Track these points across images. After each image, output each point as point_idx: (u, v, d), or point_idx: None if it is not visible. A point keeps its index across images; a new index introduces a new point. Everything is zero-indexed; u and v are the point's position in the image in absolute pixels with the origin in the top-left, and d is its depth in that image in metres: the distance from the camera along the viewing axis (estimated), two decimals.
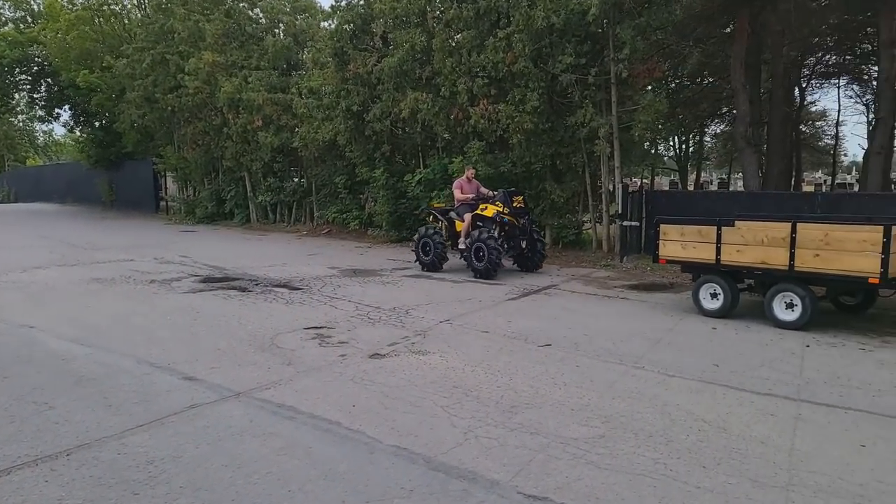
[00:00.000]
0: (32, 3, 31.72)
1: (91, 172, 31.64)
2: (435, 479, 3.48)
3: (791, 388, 4.93)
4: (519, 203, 10.84)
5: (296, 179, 21.07)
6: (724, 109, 24.00)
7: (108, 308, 8.12)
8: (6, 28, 30.65)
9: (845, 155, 43.73)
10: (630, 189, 12.49)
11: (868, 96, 22.63)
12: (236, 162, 20.94)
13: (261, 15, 21.18)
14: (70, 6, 26.46)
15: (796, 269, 6.70)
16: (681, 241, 7.73)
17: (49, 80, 30.74)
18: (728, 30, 15.92)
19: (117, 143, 27.95)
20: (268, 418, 4.38)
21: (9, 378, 5.22)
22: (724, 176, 39.09)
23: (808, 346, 6.17)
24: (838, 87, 23.83)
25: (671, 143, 28.03)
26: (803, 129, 26.10)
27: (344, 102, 15.43)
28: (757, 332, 6.81)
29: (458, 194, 11.32)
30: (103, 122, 29.50)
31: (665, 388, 4.99)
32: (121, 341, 6.45)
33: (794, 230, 6.71)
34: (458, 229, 11.20)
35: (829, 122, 30.07)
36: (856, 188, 31.42)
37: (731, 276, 7.41)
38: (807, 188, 29.63)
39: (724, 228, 7.29)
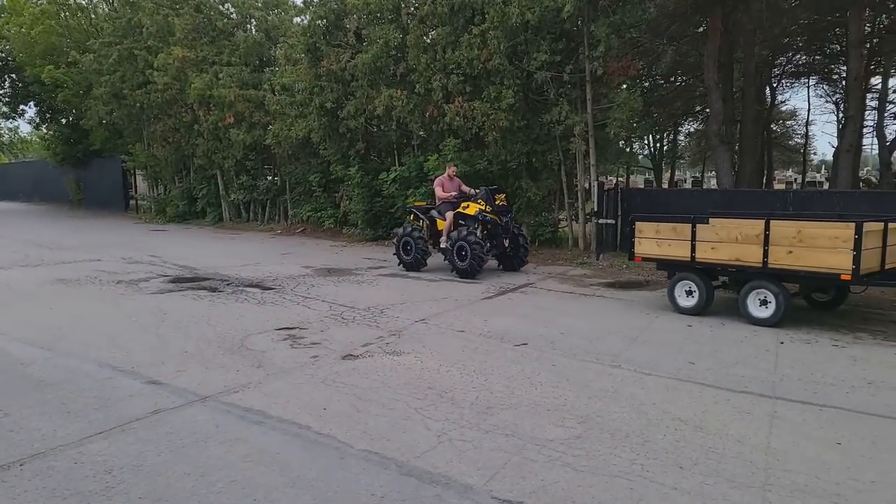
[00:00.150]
0: None
1: (58, 170, 30.87)
2: (407, 484, 3.37)
3: (766, 386, 4.92)
4: (501, 201, 10.68)
5: (269, 177, 20.74)
6: (698, 108, 24.28)
7: (72, 310, 7.86)
8: None
9: (815, 153, 44.60)
10: (605, 187, 12.51)
11: (837, 95, 23.04)
12: (208, 160, 20.55)
13: (232, 10, 20.81)
14: (35, 0, 25.74)
15: (770, 266, 6.72)
16: (656, 239, 7.72)
17: (13, 75, 29.90)
18: (701, 29, 16.06)
19: (85, 140, 27.29)
20: (234, 423, 4.23)
21: None
22: (697, 174, 39.58)
23: (781, 343, 6.19)
24: (808, 87, 24.27)
25: (646, 142, 28.26)
26: (774, 128, 26.51)
27: (317, 99, 15.21)
28: (732, 329, 6.82)
29: (439, 192, 11.14)
30: (70, 118, 28.79)
31: (641, 386, 4.94)
32: (83, 344, 6.22)
33: (767, 227, 6.73)
34: (439, 228, 11.00)
35: (799, 122, 30.65)
36: (825, 186, 32.05)
37: (705, 273, 7.42)
38: (778, 186, 30.08)
39: (698, 226, 7.29)
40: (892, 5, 15.98)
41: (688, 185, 34.44)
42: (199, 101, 18.78)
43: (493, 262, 11.18)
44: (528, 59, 12.30)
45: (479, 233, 10.34)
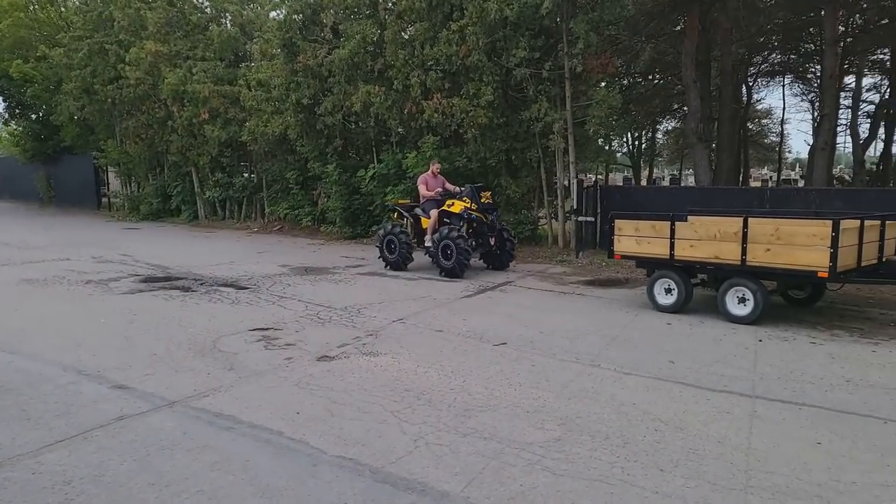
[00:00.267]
0: None
1: (28, 167, 30.05)
2: (381, 492, 3.26)
3: (746, 385, 4.89)
4: (487, 199, 10.50)
5: (245, 175, 20.40)
6: (676, 106, 24.45)
7: (37, 311, 7.60)
8: None
9: (789, 152, 45.25)
10: (585, 184, 12.48)
11: (812, 94, 23.35)
12: (182, 156, 20.15)
13: (206, 4, 20.42)
14: None
15: (748, 263, 6.71)
16: (635, 237, 7.68)
17: None
18: (679, 27, 16.13)
19: (55, 136, 26.59)
20: (203, 429, 4.07)
21: None
22: (675, 172, 39.93)
23: (760, 341, 6.18)
24: (783, 86, 24.55)
25: (624, 140, 28.40)
26: (750, 127, 26.80)
27: (294, 95, 14.96)
28: (710, 327, 6.80)
29: (423, 190, 10.89)
30: (40, 114, 28.02)
31: (621, 386, 4.88)
32: (47, 347, 6.00)
33: (745, 225, 6.72)
34: (424, 226, 10.80)
35: (774, 120, 31.03)
36: (800, 183, 32.51)
37: (684, 271, 7.40)
38: (754, 184, 30.43)
39: (677, 223, 7.26)
40: (865, 5, 16.20)
41: (666, 183, 34.70)
42: (173, 96, 18.38)
43: (478, 261, 11.01)
44: (507, 56, 12.22)
45: (464, 231, 10.17)
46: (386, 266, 10.96)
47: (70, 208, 27.24)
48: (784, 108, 33.16)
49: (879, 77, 21.08)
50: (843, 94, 19.42)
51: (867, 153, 19.04)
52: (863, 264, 6.65)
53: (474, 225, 10.42)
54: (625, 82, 20.72)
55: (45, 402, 4.55)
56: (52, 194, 29.59)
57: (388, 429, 4.07)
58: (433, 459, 3.63)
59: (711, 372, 5.22)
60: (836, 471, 3.46)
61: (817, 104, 21.06)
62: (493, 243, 10.59)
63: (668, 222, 7.32)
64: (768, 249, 6.56)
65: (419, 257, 11.05)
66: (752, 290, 6.74)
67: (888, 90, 19.53)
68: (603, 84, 13.42)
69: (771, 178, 36.83)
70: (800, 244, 6.35)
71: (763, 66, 22.61)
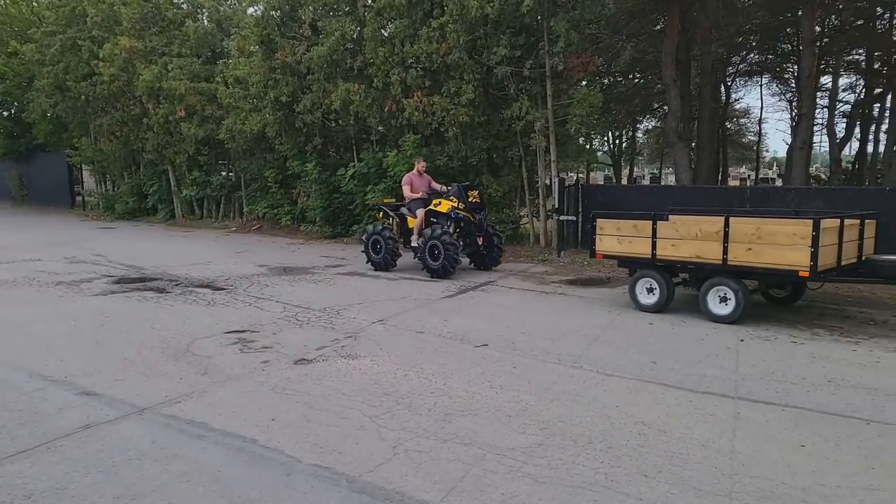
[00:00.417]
0: None
1: None
2: (358, 503, 3.14)
3: (728, 385, 4.85)
4: (475, 198, 10.32)
5: (223, 173, 20.10)
6: (656, 105, 24.57)
7: (4, 313, 7.35)
8: None
9: (767, 151, 45.82)
10: (566, 183, 12.45)
11: (789, 94, 23.61)
12: (158, 154, 19.79)
13: None
14: None
15: (729, 263, 6.70)
16: (617, 236, 7.64)
17: None
18: (659, 27, 16.18)
19: (28, 133, 26.03)
20: (173, 438, 3.92)
21: None
22: (655, 171, 40.22)
23: (742, 341, 6.16)
24: (761, 85, 24.80)
25: (605, 139, 28.51)
26: (728, 126, 27.04)
27: (272, 93, 14.74)
28: (692, 326, 6.78)
29: (407, 191, 10.63)
30: (12, 111, 27.42)
31: (604, 388, 4.81)
32: (13, 352, 5.79)
33: (727, 224, 6.70)
34: (410, 226, 10.59)
35: (752, 120, 31.37)
36: (777, 182, 32.90)
37: (666, 270, 7.37)
38: (732, 183, 30.72)
39: (658, 223, 7.23)
40: (841, 6, 16.38)
41: (646, 182, 34.92)
42: (148, 93, 18.03)
43: (465, 261, 10.83)
44: (487, 54, 12.14)
45: (451, 231, 9.98)
46: (371, 266, 10.77)
47: (43, 207, 26.68)
48: (762, 108, 33.55)
49: (855, 77, 21.39)
50: (819, 95, 19.65)
51: (843, 152, 19.28)
52: (843, 263, 6.67)
53: (462, 225, 10.25)
54: (605, 81, 20.78)
55: (8, 410, 4.36)
56: (24, 193, 28.98)
57: (367, 435, 3.96)
58: (412, 467, 3.52)
59: (694, 373, 5.17)
60: (821, 474, 3.41)
61: (795, 104, 21.30)
62: (480, 243, 10.42)
63: (650, 222, 7.29)
64: (749, 249, 6.55)
65: (405, 258, 10.90)
66: (734, 290, 6.72)
67: (863, 90, 19.80)
68: (584, 83, 13.40)
69: (749, 176, 37.26)
70: (781, 244, 6.35)
71: (741, 66, 22.81)
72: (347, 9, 13.98)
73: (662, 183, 31.73)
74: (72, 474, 3.45)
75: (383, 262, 10.59)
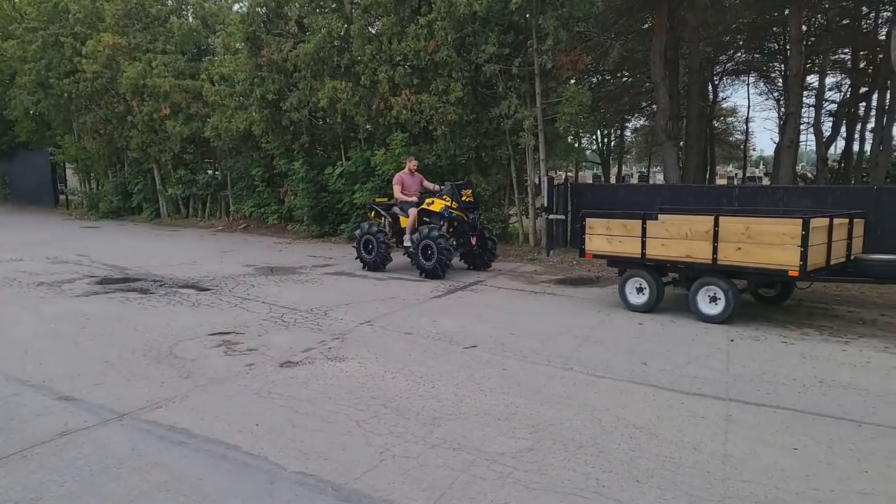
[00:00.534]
0: None
1: None
2: None
3: (719, 387, 4.80)
4: (468, 197, 10.14)
5: (209, 171, 19.88)
6: (644, 104, 24.62)
7: None
8: None
9: (753, 149, 46.11)
10: (555, 182, 12.40)
11: (777, 93, 23.73)
12: (143, 153, 19.52)
13: None
14: None
15: (719, 262, 6.67)
16: (606, 236, 7.59)
17: None
18: (647, 25, 16.18)
19: (10, 132, 25.63)
20: (154, 445, 3.81)
21: None
22: (643, 169, 40.36)
23: (732, 341, 6.13)
24: (747, 84, 24.92)
25: (594, 138, 28.54)
26: (715, 125, 27.15)
27: (258, 90, 14.57)
28: (682, 326, 6.74)
29: (398, 192, 10.38)
30: None
31: (594, 390, 4.75)
32: None
33: (716, 224, 6.67)
34: (402, 226, 10.40)
35: (739, 119, 31.54)
36: (765, 181, 33.11)
37: (656, 270, 7.33)
38: (719, 181, 30.88)
39: (648, 222, 7.19)
40: (827, 5, 16.47)
41: (634, 181, 35.01)
42: (132, 90, 17.76)
43: (458, 261, 10.69)
44: (476, 52, 12.05)
45: (444, 231, 9.81)
46: (364, 267, 10.61)
47: (26, 206, 26.30)
48: (749, 107, 33.74)
49: (841, 76, 21.53)
50: (806, 94, 19.76)
51: (828, 151, 19.38)
52: (832, 263, 6.66)
53: (455, 224, 10.10)
54: (594, 80, 20.77)
55: None
56: (6, 192, 28.56)
57: (353, 441, 3.87)
58: (399, 474, 3.44)
59: (684, 374, 5.13)
60: (814, 478, 3.37)
61: (782, 103, 21.41)
62: (474, 243, 10.24)
63: (640, 221, 7.24)
64: (739, 248, 6.52)
65: (397, 258, 10.77)
66: (724, 290, 6.69)
67: (849, 89, 19.94)
68: (572, 81, 13.35)
69: (736, 175, 37.49)
70: (770, 243, 6.32)
71: (728, 65, 22.90)
72: (334, 6, 13.84)
73: (650, 182, 31.84)
74: (47, 484, 3.34)
75: (375, 262, 10.44)
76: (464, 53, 12.22)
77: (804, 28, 15.79)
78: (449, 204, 9.89)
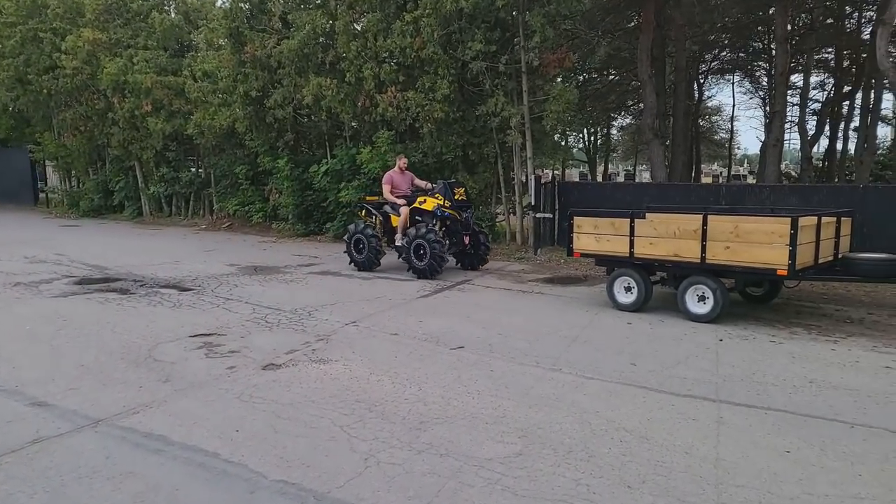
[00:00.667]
0: None
1: None
2: None
3: (710, 388, 4.74)
4: (461, 195, 9.97)
5: (193, 169, 19.62)
6: (631, 103, 24.65)
7: None
8: None
9: (738, 148, 46.40)
10: (542, 180, 12.34)
11: (762, 91, 23.86)
12: (124, 150, 19.21)
13: None
14: None
15: (707, 261, 6.62)
16: (594, 234, 7.52)
17: None
18: (633, 23, 16.16)
19: None
20: (129, 453, 3.67)
21: None
22: (629, 168, 40.50)
23: (720, 340, 6.08)
24: (732, 83, 25.03)
25: (580, 136, 28.56)
26: (701, 123, 27.26)
27: (242, 87, 14.35)
28: (671, 326, 6.69)
29: (387, 191, 10.16)
30: None
31: (583, 392, 4.67)
32: None
33: (705, 223, 6.62)
34: (393, 224, 10.20)
35: (724, 117, 31.72)
36: (749, 179, 33.34)
37: (644, 269, 7.28)
38: (705, 180, 31.02)
39: (636, 221, 7.12)
40: (811, 4, 16.55)
41: (621, 179, 35.11)
42: (113, 87, 17.46)
43: (450, 261, 10.44)
44: (462, 49, 11.93)
45: (437, 230, 9.63)
46: (354, 266, 10.42)
47: (5, 205, 25.80)
48: (734, 106, 33.96)
49: (825, 76, 21.68)
50: (790, 93, 19.84)
51: (812, 150, 19.50)
52: (820, 262, 6.63)
53: (448, 223, 9.92)
54: (581, 78, 20.74)
55: None
56: None
57: (337, 446, 3.76)
58: (385, 481, 3.33)
59: (674, 374, 5.06)
60: (808, 482, 3.30)
61: (767, 101, 21.52)
62: (467, 242, 10.07)
63: (628, 220, 7.18)
64: (728, 247, 6.48)
65: (389, 257, 10.60)
66: (712, 289, 6.65)
67: (833, 89, 20.08)
68: (559, 79, 13.28)
69: (721, 174, 37.72)
70: (759, 242, 6.28)
71: (713, 64, 22.98)
72: (318, 1, 13.68)
73: (636, 180, 31.93)
74: (16, 495, 3.19)
75: (366, 262, 10.25)
76: (450, 50, 12.10)
77: (789, 27, 15.85)
78: (442, 202, 9.72)
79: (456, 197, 9.85)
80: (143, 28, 18.19)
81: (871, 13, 16.39)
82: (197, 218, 19.24)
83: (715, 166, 43.14)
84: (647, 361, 5.42)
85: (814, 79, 20.96)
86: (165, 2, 19.34)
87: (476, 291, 8.76)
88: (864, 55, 16.89)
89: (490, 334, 6.34)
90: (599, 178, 28.13)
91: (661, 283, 7.58)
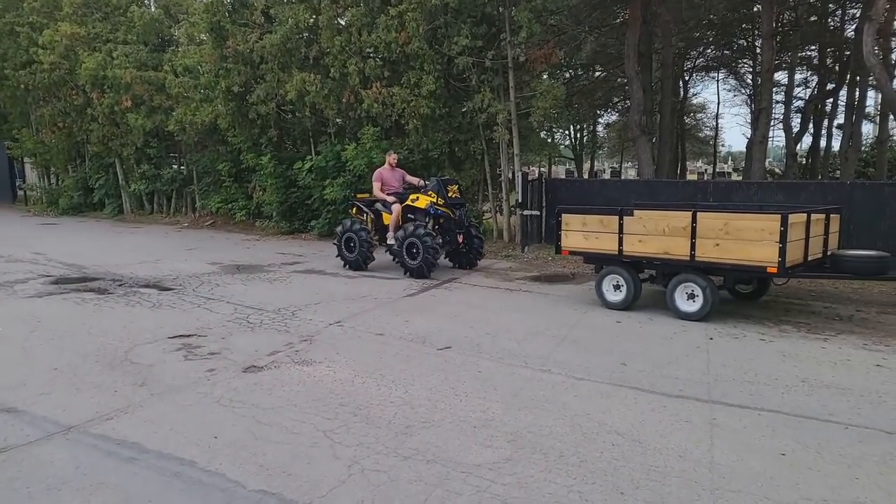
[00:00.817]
0: None
1: None
2: None
3: (702, 388, 4.65)
4: (454, 193, 9.75)
5: (174, 166, 19.30)
6: (617, 100, 24.63)
7: None
8: None
9: (722, 145, 46.69)
10: (529, 177, 12.23)
11: (746, 89, 23.93)
12: (104, 146, 18.84)
13: None
14: None
15: (697, 259, 6.54)
16: (583, 232, 7.42)
17: None
18: (620, 19, 16.09)
19: None
20: (100, 462, 3.51)
21: None
22: (615, 165, 40.58)
23: (711, 339, 6.00)
24: (717, 81, 25.08)
25: (566, 133, 28.52)
26: (686, 120, 27.31)
27: (223, 82, 14.09)
28: (660, 324, 6.60)
29: (377, 189, 9.95)
30: None
31: (574, 393, 4.56)
32: None
33: (694, 220, 6.54)
34: (385, 223, 9.97)
35: (709, 115, 31.84)
36: (734, 176, 33.52)
37: (633, 266, 7.19)
38: (690, 177, 31.11)
39: (625, 218, 7.03)
40: (794, 2, 16.57)
41: (607, 176, 35.14)
42: (92, 82, 17.09)
43: (443, 260, 10.26)
44: (448, 44, 11.78)
45: (430, 228, 9.41)
46: (345, 266, 10.19)
47: None
48: (718, 103, 34.11)
49: (808, 73, 21.77)
50: (775, 90, 19.91)
51: (796, 147, 19.56)
52: (809, 259, 6.58)
53: (441, 221, 9.72)
54: (567, 75, 20.67)
55: None
56: None
57: (320, 453, 3.61)
58: (369, 490, 3.19)
59: (665, 375, 4.97)
60: (805, 487, 3.21)
61: (750, 99, 21.60)
62: (461, 241, 9.87)
63: (617, 217, 7.08)
64: (717, 245, 6.40)
65: (380, 256, 10.39)
66: (702, 287, 6.57)
67: (816, 86, 20.15)
68: (545, 75, 13.17)
69: (706, 171, 37.89)
70: (749, 239, 6.21)
71: (699, 61, 22.99)
72: None
73: (623, 176, 31.97)
74: None
75: (357, 260, 10.02)
76: (436, 45, 11.95)
77: (774, 24, 15.86)
78: (434, 200, 9.52)
79: (449, 194, 9.64)
80: (122, 22, 17.83)
81: (855, 11, 16.47)
82: (179, 216, 18.94)
83: (700, 163, 43.32)
84: (637, 361, 5.32)
85: (797, 76, 21.06)
86: None
87: (463, 290, 8.63)
88: (848, 53, 16.96)
89: (478, 334, 6.22)
90: (585, 175, 28.12)
91: (650, 281, 7.50)
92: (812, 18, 17.95)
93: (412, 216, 9.74)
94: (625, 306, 7.15)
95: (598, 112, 26.70)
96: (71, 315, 7.06)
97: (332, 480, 3.29)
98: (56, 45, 17.30)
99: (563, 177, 30.13)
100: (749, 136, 15.71)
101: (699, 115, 32.41)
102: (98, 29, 17.72)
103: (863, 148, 16.69)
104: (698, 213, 6.57)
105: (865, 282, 8.07)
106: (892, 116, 16.05)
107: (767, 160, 31.44)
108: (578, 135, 28.52)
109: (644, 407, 4.30)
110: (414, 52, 11.68)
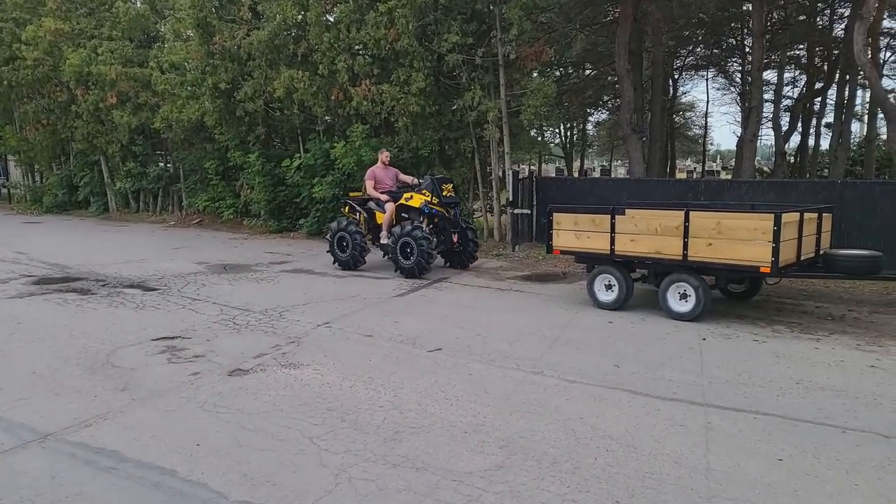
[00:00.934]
0: None
1: None
2: None
3: (696, 391, 4.58)
4: (449, 192, 9.60)
5: (160, 164, 19.04)
6: (607, 98, 24.60)
7: None
8: None
9: (711, 144, 46.84)
10: (520, 176, 12.15)
11: (735, 88, 23.98)
12: (89, 144, 18.53)
13: None
14: None
15: (690, 258, 6.48)
16: (574, 231, 7.34)
17: None
18: (610, 17, 16.04)
19: None
20: (78, 471, 3.38)
21: None
22: (605, 163, 40.63)
23: (704, 340, 5.94)
24: (706, 79, 25.14)
25: (557, 131, 28.48)
26: (675, 119, 27.35)
27: (210, 79, 13.87)
28: (653, 324, 6.54)
29: (370, 187, 9.79)
30: None
31: (566, 397, 4.48)
32: None
33: (687, 218, 6.48)
34: (378, 222, 9.82)
35: (698, 113, 31.90)
36: (723, 175, 33.63)
37: (625, 266, 7.12)
38: (679, 175, 31.18)
39: (617, 217, 6.96)
40: (782, 1, 16.59)
41: (597, 174, 35.14)
42: (76, 78, 16.79)
43: (438, 259, 10.00)
44: (438, 41, 11.66)
45: (425, 227, 9.24)
46: (335, 263, 10.04)
47: None
48: (708, 102, 34.21)
49: (797, 72, 21.84)
50: (764, 89, 19.94)
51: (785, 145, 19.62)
52: (802, 258, 6.54)
53: (435, 220, 9.56)
54: (558, 73, 20.60)
55: None
56: None
57: (306, 461, 3.50)
58: (357, 500, 3.09)
59: (659, 377, 4.89)
60: (804, 493, 3.14)
61: (739, 98, 21.64)
62: (455, 240, 9.72)
63: (609, 216, 7.01)
64: (710, 244, 6.34)
65: (374, 255, 10.24)
66: (694, 286, 6.51)
67: (805, 85, 20.22)
68: (536, 73, 13.08)
69: (695, 169, 38.01)
70: (741, 238, 6.16)
71: (688, 60, 23.01)
72: None
73: (612, 175, 31.99)
74: None
75: (351, 260, 9.84)
76: (426, 42, 11.82)
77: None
78: (429, 199, 9.36)
79: (444, 193, 9.49)
80: (107, 18, 17.53)
81: (843, 10, 16.52)
82: (165, 214, 18.69)
83: (689, 162, 43.45)
84: (630, 363, 5.25)
85: (786, 75, 21.11)
86: None
87: (453, 290, 8.54)
88: (837, 52, 17.02)
89: (468, 335, 6.13)
90: (575, 174, 28.09)
91: (642, 281, 7.44)
92: (801, 17, 18.00)
93: (406, 215, 9.60)
94: (617, 306, 7.08)
95: (589, 110, 26.67)
96: (52, 316, 6.89)
97: (319, 490, 3.18)
98: (40, 41, 16.98)
99: (554, 175, 30.07)
100: (738, 134, 15.72)
101: (688, 114, 32.50)
102: (83, 24, 17.43)
103: (851, 147, 16.74)
104: (691, 213, 6.51)
105: (856, 281, 8.05)
106: (880, 115, 16.11)
107: (756, 159, 31.61)
108: (569, 133, 28.48)
109: (638, 410, 4.23)
110: (403, 49, 11.55)
